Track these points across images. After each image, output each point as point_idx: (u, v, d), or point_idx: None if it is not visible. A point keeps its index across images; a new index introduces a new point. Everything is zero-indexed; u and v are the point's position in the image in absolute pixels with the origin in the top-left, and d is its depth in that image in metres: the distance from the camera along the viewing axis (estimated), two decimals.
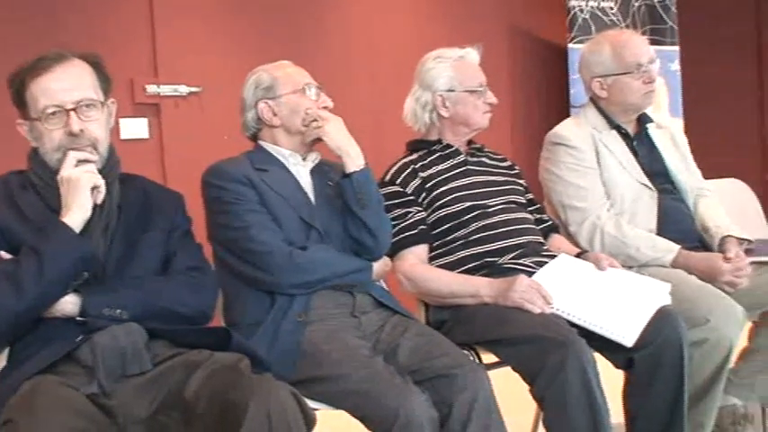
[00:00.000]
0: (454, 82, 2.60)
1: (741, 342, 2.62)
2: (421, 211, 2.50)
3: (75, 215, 1.84)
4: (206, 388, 1.71)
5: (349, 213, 2.25)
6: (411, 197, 2.51)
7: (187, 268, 2.01)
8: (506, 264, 2.45)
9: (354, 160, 2.26)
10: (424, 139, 2.66)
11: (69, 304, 1.83)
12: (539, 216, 2.71)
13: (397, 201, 2.50)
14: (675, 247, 2.66)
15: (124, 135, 3.79)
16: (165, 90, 3.93)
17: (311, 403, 1.99)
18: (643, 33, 5.21)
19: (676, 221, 2.78)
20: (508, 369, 2.23)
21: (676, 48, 5.51)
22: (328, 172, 2.35)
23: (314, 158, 2.36)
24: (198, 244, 2.11)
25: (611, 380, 2.29)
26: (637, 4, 5.37)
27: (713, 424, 2.52)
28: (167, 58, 3.93)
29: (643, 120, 2.92)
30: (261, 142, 2.35)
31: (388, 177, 2.55)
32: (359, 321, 2.20)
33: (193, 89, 3.98)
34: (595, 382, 2.09)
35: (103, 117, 1.96)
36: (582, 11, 5.12)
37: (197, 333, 1.92)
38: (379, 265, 2.33)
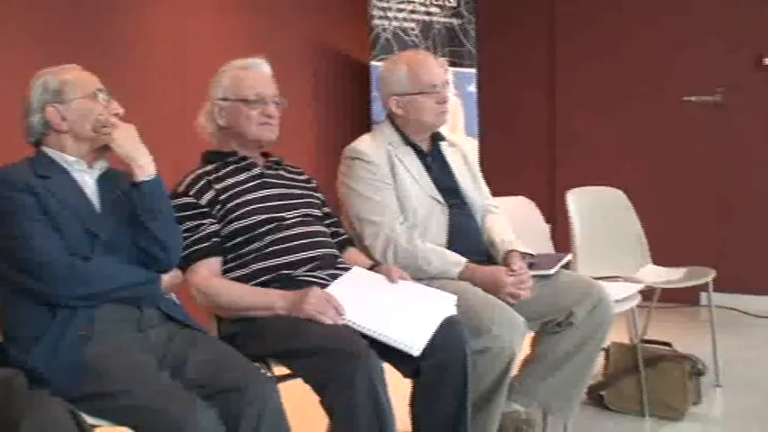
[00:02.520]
0: (228, 92, 2.59)
1: (523, 351, 2.76)
2: (214, 223, 2.47)
3: None
4: None
5: (137, 224, 2.18)
6: (205, 209, 2.47)
7: None
8: (301, 276, 2.46)
9: (144, 169, 2.19)
10: (220, 150, 2.63)
11: None
12: (335, 229, 2.73)
13: (190, 212, 2.45)
14: (463, 261, 2.77)
15: None
16: None
17: (94, 420, 1.93)
18: (443, 55, 5.42)
19: (465, 236, 2.89)
20: (301, 381, 2.25)
21: (474, 70, 5.75)
22: (117, 181, 2.27)
23: (101, 166, 2.27)
24: None
25: (400, 388, 2.36)
26: (437, 27, 5.56)
27: (496, 429, 2.63)
28: None
29: (436, 138, 3.03)
30: (44, 148, 2.24)
31: (181, 188, 2.51)
32: (146, 336, 2.14)
33: None
34: (383, 391, 2.13)
35: None
36: (385, 30, 5.25)
37: None
38: (169, 278, 2.28)
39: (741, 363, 4.10)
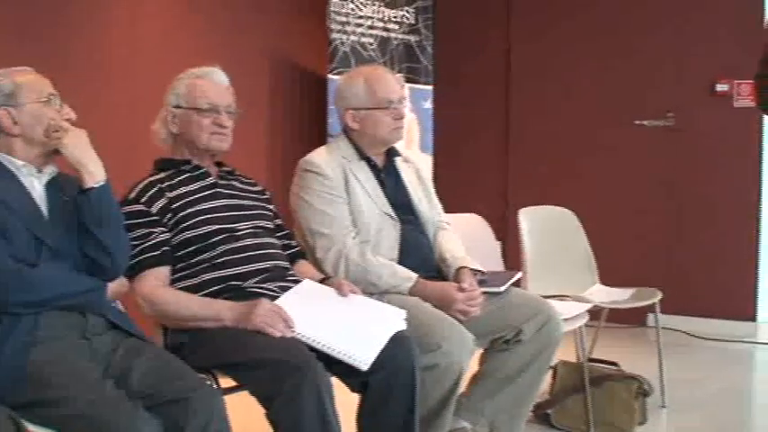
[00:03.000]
0: (182, 99, 2.58)
1: (472, 367, 2.77)
2: (165, 231, 2.44)
3: None
4: None
5: (84, 231, 2.15)
6: (155, 217, 2.44)
7: None
8: (250, 288, 2.44)
9: (93, 176, 2.16)
10: (173, 158, 2.61)
11: None
12: (286, 242, 2.72)
13: (140, 220, 2.42)
14: (414, 276, 2.78)
15: None
16: None
17: (36, 428, 1.90)
18: (400, 71, 5.45)
19: (417, 251, 2.90)
20: (247, 393, 2.23)
21: (430, 87, 5.79)
22: (65, 186, 2.24)
23: (51, 171, 2.24)
24: None
25: (348, 403, 2.35)
26: (395, 43, 5.59)
27: None
28: None
29: (391, 153, 3.03)
30: None
31: (132, 195, 2.48)
32: (90, 343, 2.10)
33: None
34: (330, 405, 2.12)
35: None
36: (343, 44, 5.26)
37: None
38: (115, 286, 2.25)
39: (687, 384, 4.16)
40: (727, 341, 5.14)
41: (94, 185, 2.16)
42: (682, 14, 5.46)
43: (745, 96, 5.22)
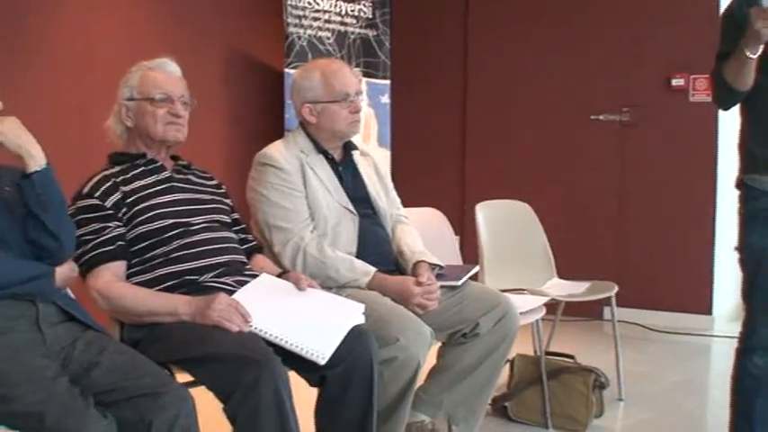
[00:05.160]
0: (135, 91, 2.55)
1: (430, 361, 2.77)
2: (120, 226, 2.41)
3: None
4: None
5: (29, 216, 2.12)
6: (110, 211, 2.41)
7: None
8: (207, 282, 2.42)
9: (36, 159, 2.11)
10: (127, 152, 2.57)
11: None
12: (243, 236, 2.71)
13: (94, 215, 2.39)
14: (372, 270, 2.77)
15: None
16: None
17: None
18: (357, 65, 5.44)
19: (375, 245, 2.90)
20: (204, 388, 2.21)
21: (387, 82, 5.78)
22: (4, 176, 2.19)
23: None
24: None
25: (305, 397, 2.34)
26: (352, 37, 5.57)
27: None
28: None
29: (349, 147, 3.02)
30: None
31: (86, 190, 2.44)
32: (43, 337, 2.07)
33: None
34: (288, 399, 2.11)
35: None
36: (300, 38, 5.23)
37: None
38: (64, 271, 2.21)
39: (643, 377, 4.21)
40: (683, 334, 5.20)
41: (38, 169, 2.11)
42: (638, 9, 5.52)
43: (701, 91, 5.29)
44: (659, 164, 5.50)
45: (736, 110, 2.78)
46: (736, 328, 2.81)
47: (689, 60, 5.25)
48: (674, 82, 5.41)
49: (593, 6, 5.65)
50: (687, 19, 5.28)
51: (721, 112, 4.79)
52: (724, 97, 2.73)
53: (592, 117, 5.66)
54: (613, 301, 3.92)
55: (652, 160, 5.52)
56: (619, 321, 4.01)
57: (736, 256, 2.77)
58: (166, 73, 2.58)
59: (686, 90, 5.39)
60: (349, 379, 2.32)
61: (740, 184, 2.76)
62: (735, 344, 2.78)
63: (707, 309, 5.39)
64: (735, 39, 2.54)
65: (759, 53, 2.50)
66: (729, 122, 4.62)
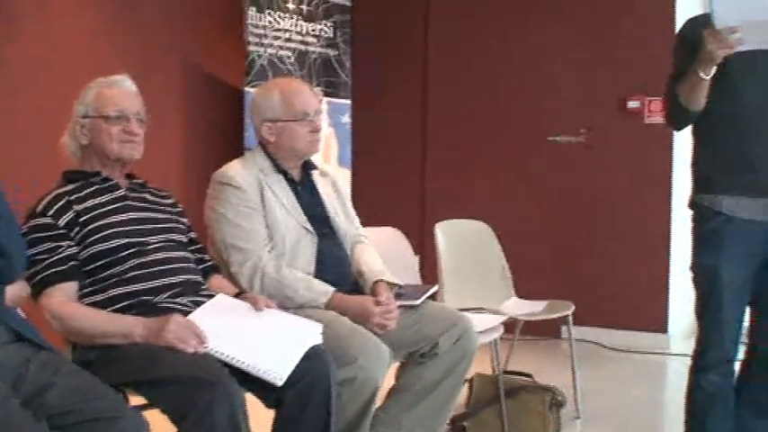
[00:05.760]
0: (90, 109, 2.52)
1: (388, 381, 2.77)
2: (73, 245, 2.38)
3: None
4: None
5: None
6: (63, 230, 2.38)
7: None
8: (162, 303, 2.39)
9: None
10: (82, 170, 2.55)
11: None
12: (200, 256, 2.68)
13: (47, 234, 2.35)
14: (330, 290, 2.76)
15: None
16: None
17: None
18: (318, 85, 5.44)
19: (334, 265, 2.89)
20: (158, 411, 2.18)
21: (348, 101, 5.79)
22: None
23: None
24: None
25: (262, 419, 2.32)
26: (313, 57, 5.58)
27: None
28: None
29: (308, 166, 3.02)
30: None
31: (39, 208, 2.40)
32: None
33: None
34: (244, 422, 2.09)
35: None
36: (260, 57, 5.22)
37: None
38: (14, 290, 2.17)
39: (599, 395, 4.23)
40: (639, 353, 5.25)
41: None
42: (595, 32, 5.59)
43: (656, 113, 5.36)
44: (616, 184, 5.56)
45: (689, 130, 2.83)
46: (690, 347, 2.84)
47: (644, 83, 5.33)
48: (630, 104, 5.49)
49: (552, 28, 5.72)
50: (643, 41, 5.36)
51: (676, 134, 4.90)
52: (677, 117, 2.77)
53: (549, 138, 5.72)
54: (570, 319, 3.95)
55: (609, 181, 5.58)
56: (576, 340, 4.04)
57: (689, 275, 2.80)
58: (122, 90, 2.56)
59: (641, 112, 5.47)
60: (307, 399, 2.30)
61: (693, 205, 2.80)
62: (689, 362, 2.81)
63: (662, 327, 5.45)
64: (688, 59, 2.58)
65: (712, 74, 2.54)
66: (684, 143, 4.69)
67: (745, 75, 2.63)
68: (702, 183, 2.76)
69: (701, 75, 2.53)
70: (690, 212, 2.82)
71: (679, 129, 2.88)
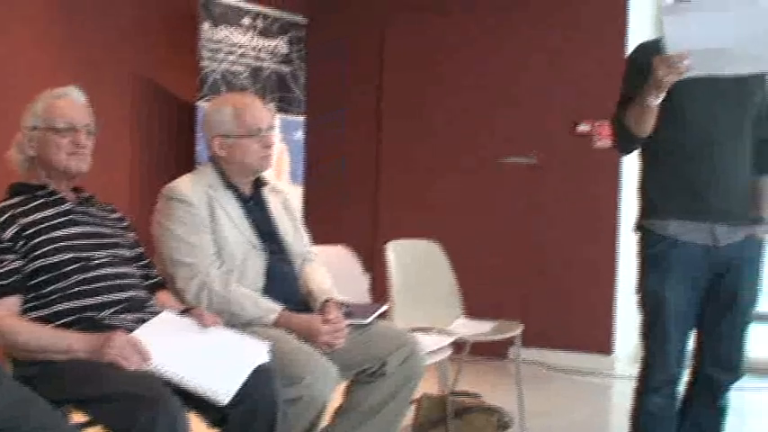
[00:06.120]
0: (38, 120, 2.49)
1: (335, 400, 2.75)
2: (17, 259, 2.33)
3: None
4: None
5: None
6: (7, 244, 2.33)
7: None
8: (106, 319, 2.36)
9: None
10: (28, 182, 2.50)
11: None
12: (147, 271, 2.65)
13: None
14: (278, 308, 2.75)
15: None
16: None
17: None
18: (272, 100, 5.42)
19: (282, 283, 2.87)
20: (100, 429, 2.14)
21: (302, 117, 5.78)
22: None
23: None
24: None
25: None
26: (267, 72, 5.56)
27: None
28: None
29: (259, 182, 3.00)
30: None
31: None
32: None
33: None
34: None
35: None
36: (213, 71, 5.19)
37: None
38: None
39: (546, 416, 4.25)
40: (584, 374, 5.30)
41: None
42: (547, 56, 5.66)
43: (605, 137, 5.43)
44: (564, 206, 5.61)
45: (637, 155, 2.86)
46: (636, 369, 2.87)
47: (594, 106, 5.39)
48: (580, 127, 5.56)
49: (505, 51, 5.77)
50: (594, 66, 5.43)
51: (624, 158, 4.97)
52: (625, 142, 2.81)
53: (500, 160, 5.76)
54: (518, 340, 3.97)
55: (558, 203, 5.64)
56: (523, 361, 4.06)
57: (635, 298, 2.84)
58: (72, 101, 2.53)
59: (591, 135, 5.54)
60: (252, 418, 2.28)
61: (639, 228, 2.84)
62: (634, 383, 2.84)
63: (608, 349, 5.50)
64: (637, 84, 2.62)
65: (660, 100, 2.58)
66: (632, 167, 4.75)
67: (692, 101, 2.67)
68: (649, 207, 2.80)
69: (650, 101, 2.57)
70: (636, 236, 2.86)
71: (626, 153, 2.92)
